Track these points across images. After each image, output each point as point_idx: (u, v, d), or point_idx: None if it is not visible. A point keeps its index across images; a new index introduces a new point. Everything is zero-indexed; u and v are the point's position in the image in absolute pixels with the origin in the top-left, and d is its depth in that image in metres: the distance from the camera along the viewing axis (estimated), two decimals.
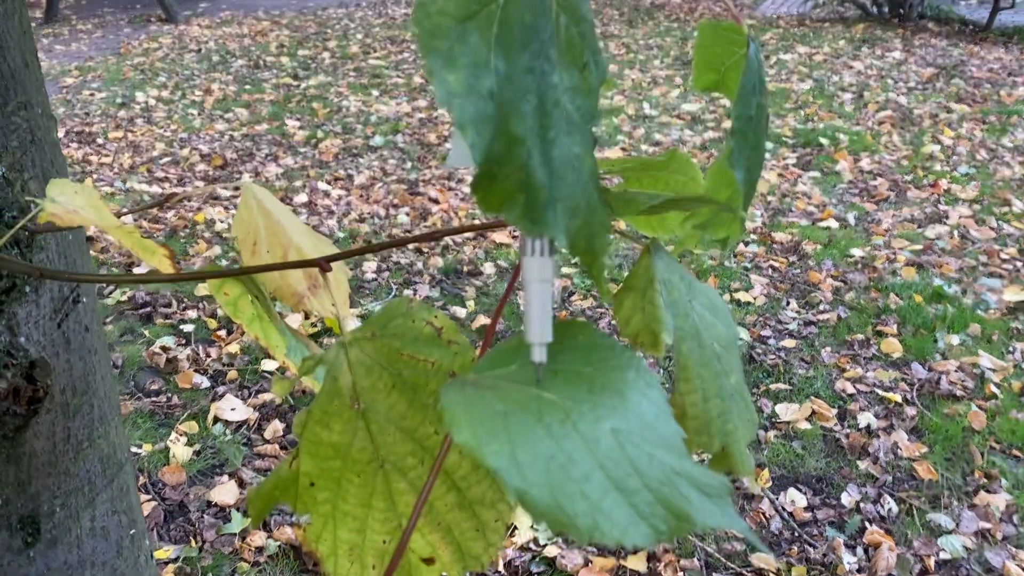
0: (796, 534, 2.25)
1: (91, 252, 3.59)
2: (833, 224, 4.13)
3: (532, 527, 2.22)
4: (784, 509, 2.32)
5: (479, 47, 0.41)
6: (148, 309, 3.28)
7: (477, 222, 4.16)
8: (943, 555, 2.20)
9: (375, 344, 0.51)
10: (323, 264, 0.52)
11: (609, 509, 0.40)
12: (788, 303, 3.39)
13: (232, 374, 2.88)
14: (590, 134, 0.46)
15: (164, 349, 3.00)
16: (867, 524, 2.28)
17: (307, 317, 3.20)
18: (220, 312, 3.27)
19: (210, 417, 2.66)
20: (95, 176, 4.72)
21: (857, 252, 3.81)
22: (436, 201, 4.40)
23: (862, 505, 2.34)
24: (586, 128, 0.45)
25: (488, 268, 3.68)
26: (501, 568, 2.14)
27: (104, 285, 3.39)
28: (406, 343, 0.51)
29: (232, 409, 2.69)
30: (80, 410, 0.75)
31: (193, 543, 2.19)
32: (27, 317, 0.68)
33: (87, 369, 0.76)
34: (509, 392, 0.45)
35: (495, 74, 0.41)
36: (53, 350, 0.71)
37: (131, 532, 0.83)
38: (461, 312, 3.33)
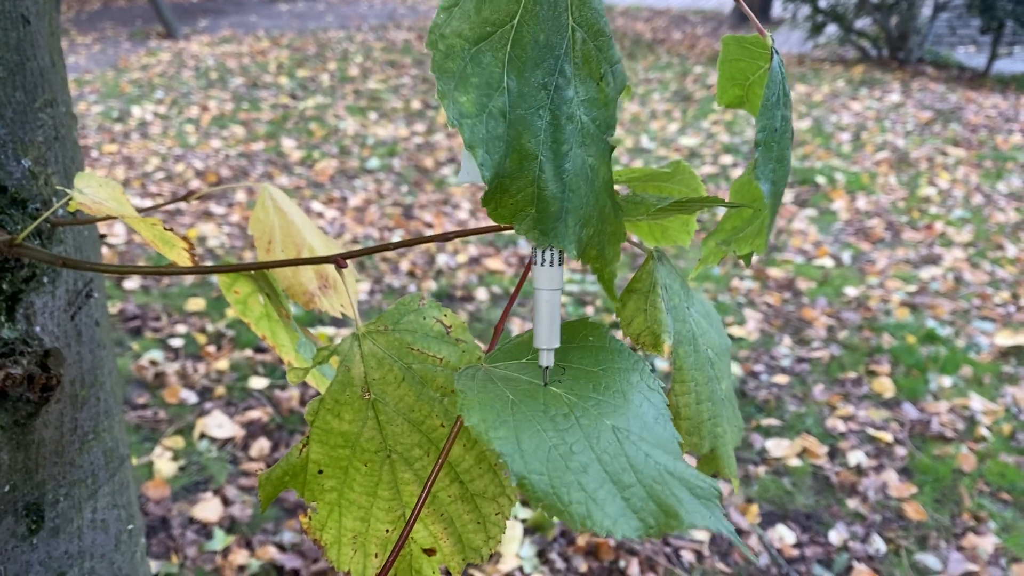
0: (784, 571, 2.25)
1: None
2: (828, 262, 4.16)
3: (517, 555, 2.22)
4: (772, 546, 2.32)
5: (492, 67, 0.42)
6: (137, 322, 3.28)
7: (473, 248, 4.19)
8: None
9: (387, 338, 0.52)
10: (340, 261, 0.54)
11: (603, 500, 0.42)
12: (781, 339, 3.41)
13: (220, 390, 2.87)
14: (606, 144, 0.47)
15: (152, 363, 2.99)
16: (855, 563, 2.28)
17: None
18: (209, 328, 3.26)
19: (196, 433, 2.64)
20: None
21: (851, 291, 3.84)
22: (431, 225, 4.43)
23: (850, 544, 2.35)
24: (602, 138, 0.46)
25: (481, 294, 3.69)
26: None
27: None
28: (417, 338, 0.53)
29: (219, 426, 2.67)
30: (87, 402, 0.76)
31: (175, 559, 2.17)
32: (43, 307, 0.69)
33: (96, 362, 0.77)
34: (519, 383, 0.46)
35: (507, 93, 0.42)
36: (65, 341, 0.72)
37: (129, 527, 0.84)
38: None
